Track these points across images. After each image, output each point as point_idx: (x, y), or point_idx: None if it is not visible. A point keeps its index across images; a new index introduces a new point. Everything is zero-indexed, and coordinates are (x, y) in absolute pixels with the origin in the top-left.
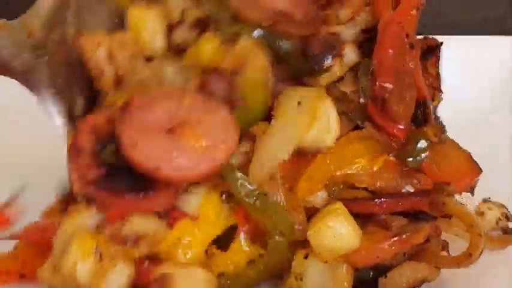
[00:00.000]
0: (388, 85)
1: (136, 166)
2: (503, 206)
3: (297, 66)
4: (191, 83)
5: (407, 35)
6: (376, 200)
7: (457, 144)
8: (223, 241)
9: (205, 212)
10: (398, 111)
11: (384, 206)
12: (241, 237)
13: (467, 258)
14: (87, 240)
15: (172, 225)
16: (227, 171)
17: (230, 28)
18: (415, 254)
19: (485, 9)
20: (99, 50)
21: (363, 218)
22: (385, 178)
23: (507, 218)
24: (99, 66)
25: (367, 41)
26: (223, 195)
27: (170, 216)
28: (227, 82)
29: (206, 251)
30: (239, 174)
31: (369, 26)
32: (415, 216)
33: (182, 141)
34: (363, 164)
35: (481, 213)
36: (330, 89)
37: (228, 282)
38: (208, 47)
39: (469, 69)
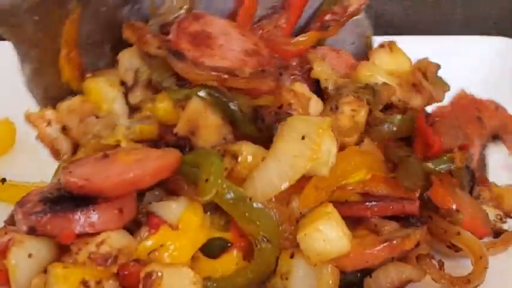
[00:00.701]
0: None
1: (70, 187)
2: (497, 208)
3: (247, 129)
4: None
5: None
6: (367, 203)
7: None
8: (209, 250)
9: (187, 222)
10: (439, 136)
11: (375, 209)
12: (234, 253)
13: (465, 283)
14: (68, 276)
15: (151, 231)
16: None
17: (179, 92)
18: (404, 258)
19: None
20: (52, 129)
21: (353, 221)
22: (374, 187)
23: (501, 219)
24: (55, 145)
25: None
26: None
27: (149, 222)
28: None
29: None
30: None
31: None
32: (406, 220)
33: (113, 160)
34: (361, 177)
35: None
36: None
37: (214, 285)
38: (163, 107)
39: (451, 69)
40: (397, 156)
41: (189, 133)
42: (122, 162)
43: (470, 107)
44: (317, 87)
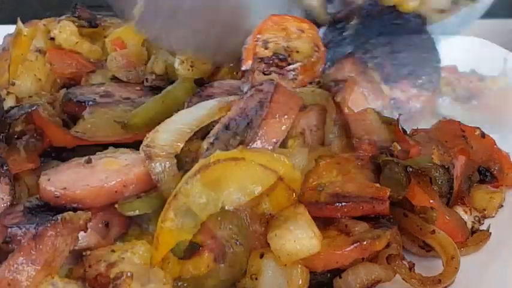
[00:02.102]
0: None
1: (47, 197)
2: (476, 210)
3: None
4: None
5: (463, 131)
6: (338, 204)
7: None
8: (180, 251)
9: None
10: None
11: (345, 210)
12: (205, 256)
13: (435, 283)
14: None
15: (121, 231)
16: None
17: None
18: (374, 258)
19: None
20: None
21: (324, 221)
22: (344, 188)
23: (479, 221)
24: None
25: None
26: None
27: (119, 223)
28: None
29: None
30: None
31: None
32: (377, 220)
33: (94, 167)
34: (331, 178)
35: None
36: None
37: (185, 285)
38: None
39: None
40: (381, 160)
41: None
42: (100, 169)
43: (455, 130)
44: None
